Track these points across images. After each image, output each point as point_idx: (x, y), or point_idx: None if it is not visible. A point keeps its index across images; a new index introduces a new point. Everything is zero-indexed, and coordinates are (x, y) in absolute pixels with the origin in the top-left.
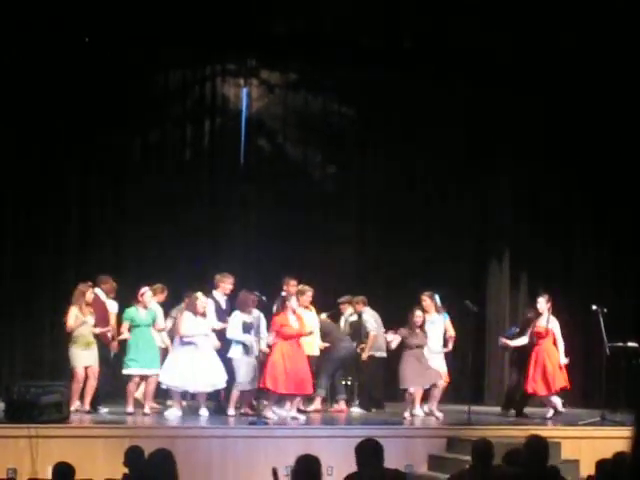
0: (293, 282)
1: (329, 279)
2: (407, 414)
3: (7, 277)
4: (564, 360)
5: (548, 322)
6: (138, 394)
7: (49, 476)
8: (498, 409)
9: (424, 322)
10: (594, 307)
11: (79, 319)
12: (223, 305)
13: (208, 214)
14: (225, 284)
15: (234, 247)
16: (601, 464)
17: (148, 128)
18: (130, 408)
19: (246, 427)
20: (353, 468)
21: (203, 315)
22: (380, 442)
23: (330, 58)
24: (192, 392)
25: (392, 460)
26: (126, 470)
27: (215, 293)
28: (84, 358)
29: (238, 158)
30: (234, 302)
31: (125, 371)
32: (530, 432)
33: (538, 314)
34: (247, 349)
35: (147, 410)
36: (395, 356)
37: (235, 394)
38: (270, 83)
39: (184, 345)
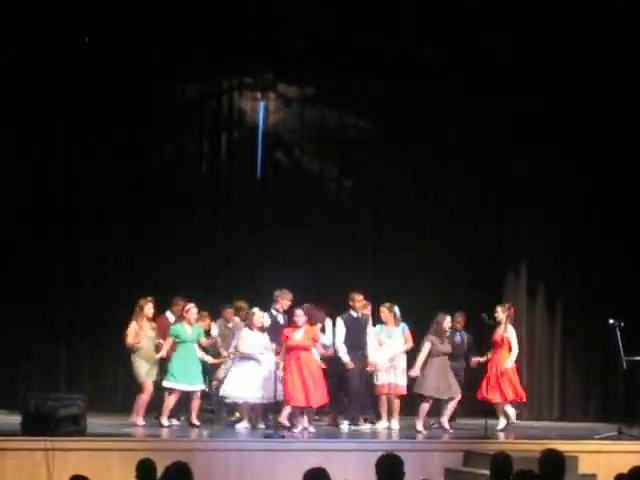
0: (359, 297)
1: (344, 292)
2: (420, 426)
3: (25, 289)
4: (509, 364)
5: (505, 331)
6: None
7: None
8: (516, 422)
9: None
10: (611, 321)
11: (139, 334)
12: (281, 321)
13: (224, 227)
14: (284, 300)
15: (249, 260)
16: (618, 479)
17: (165, 141)
18: (165, 421)
19: (263, 440)
20: None
21: (261, 330)
22: (400, 457)
23: (347, 71)
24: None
25: (408, 474)
26: None
27: (273, 309)
28: (150, 371)
29: (255, 171)
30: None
31: (167, 384)
32: (546, 446)
33: (498, 323)
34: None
35: (195, 422)
36: None
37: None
38: (287, 97)
39: (243, 359)
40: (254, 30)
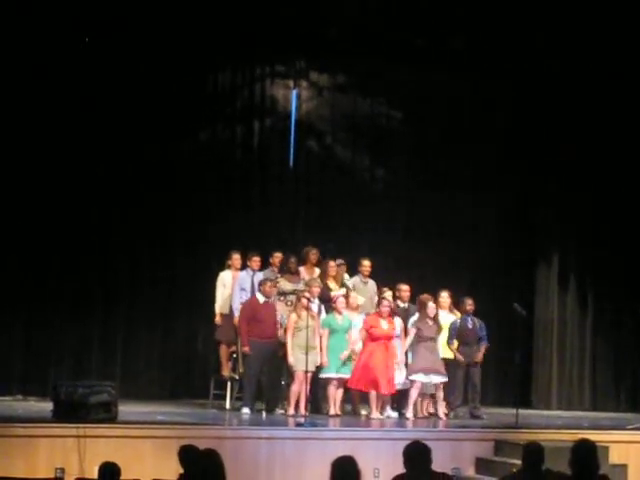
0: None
1: (376, 280)
2: (410, 414)
3: (56, 274)
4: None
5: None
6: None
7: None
8: (546, 412)
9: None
10: None
11: (298, 324)
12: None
13: (258, 215)
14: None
15: (283, 248)
16: None
17: (198, 129)
18: (332, 411)
19: (293, 429)
20: (400, 470)
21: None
22: (427, 444)
23: (379, 60)
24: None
25: (439, 463)
26: (181, 470)
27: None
28: (303, 362)
29: (287, 159)
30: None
31: (323, 375)
32: (578, 436)
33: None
34: None
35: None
36: None
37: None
38: (319, 85)
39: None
40: (286, 18)
